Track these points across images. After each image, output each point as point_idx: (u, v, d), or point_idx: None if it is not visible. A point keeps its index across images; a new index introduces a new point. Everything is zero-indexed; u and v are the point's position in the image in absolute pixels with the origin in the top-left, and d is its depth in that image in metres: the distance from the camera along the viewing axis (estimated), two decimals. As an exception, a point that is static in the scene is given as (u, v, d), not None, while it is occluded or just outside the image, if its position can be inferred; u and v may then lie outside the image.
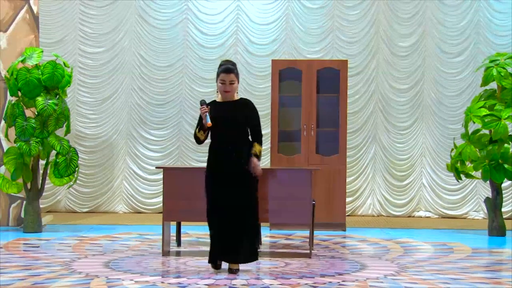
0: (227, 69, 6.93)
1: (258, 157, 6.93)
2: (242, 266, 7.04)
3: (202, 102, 6.91)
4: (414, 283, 6.53)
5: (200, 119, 6.95)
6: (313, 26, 12.16)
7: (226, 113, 6.91)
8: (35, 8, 10.44)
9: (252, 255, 6.97)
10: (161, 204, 8.07)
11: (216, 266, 7.00)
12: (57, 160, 9.67)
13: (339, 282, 6.51)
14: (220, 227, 6.90)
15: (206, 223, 7.04)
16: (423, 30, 12.14)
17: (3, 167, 9.78)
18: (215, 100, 7.09)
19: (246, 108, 6.99)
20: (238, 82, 6.99)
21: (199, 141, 7.00)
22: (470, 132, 10.17)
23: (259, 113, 7.17)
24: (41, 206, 10.08)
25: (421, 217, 12.07)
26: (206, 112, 6.83)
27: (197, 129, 6.95)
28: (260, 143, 6.99)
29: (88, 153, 12.09)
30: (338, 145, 10.43)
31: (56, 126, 9.72)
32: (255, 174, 6.90)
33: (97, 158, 12.15)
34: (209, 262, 7.04)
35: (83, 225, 10.59)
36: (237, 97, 7.06)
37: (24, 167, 9.58)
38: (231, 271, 6.88)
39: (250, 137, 7.00)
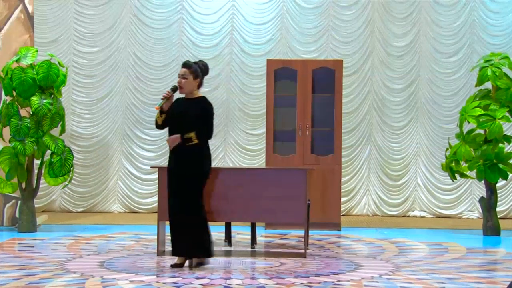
0: (183, 63, 7.07)
1: (184, 139, 6.85)
2: (237, 265, 7.04)
3: (173, 88, 6.98)
4: (409, 282, 6.53)
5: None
6: (308, 26, 12.17)
7: (180, 110, 6.95)
8: (29, 8, 10.42)
9: (200, 249, 7.06)
10: (156, 204, 8.06)
11: (181, 264, 7.12)
12: (52, 160, 9.65)
13: (334, 282, 6.51)
14: (173, 224, 7.06)
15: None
16: (418, 30, 12.15)
17: (-3, 167, 9.78)
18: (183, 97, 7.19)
19: (199, 106, 6.98)
20: (195, 79, 6.96)
21: (156, 124, 7.09)
22: (465, 132, 10.19)
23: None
24: (35, 206, 10.07)
25: (416, 216, 12.08)
26: (166, 96, 6.92)
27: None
28: (200, 137, 6.90)
29: (83, 152, 12.08)
30: (333, 145, 10.43)
31: (51, 125, 9.71)
32: (171, 146, 6.93)
33: (92, 157, 12.14)
34: (173, 255, 7.17)
35: (78, 225, 10.58)
36: (198, 94, 7.08)
37: (19, 166, 9.56)
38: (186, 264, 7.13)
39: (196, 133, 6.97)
